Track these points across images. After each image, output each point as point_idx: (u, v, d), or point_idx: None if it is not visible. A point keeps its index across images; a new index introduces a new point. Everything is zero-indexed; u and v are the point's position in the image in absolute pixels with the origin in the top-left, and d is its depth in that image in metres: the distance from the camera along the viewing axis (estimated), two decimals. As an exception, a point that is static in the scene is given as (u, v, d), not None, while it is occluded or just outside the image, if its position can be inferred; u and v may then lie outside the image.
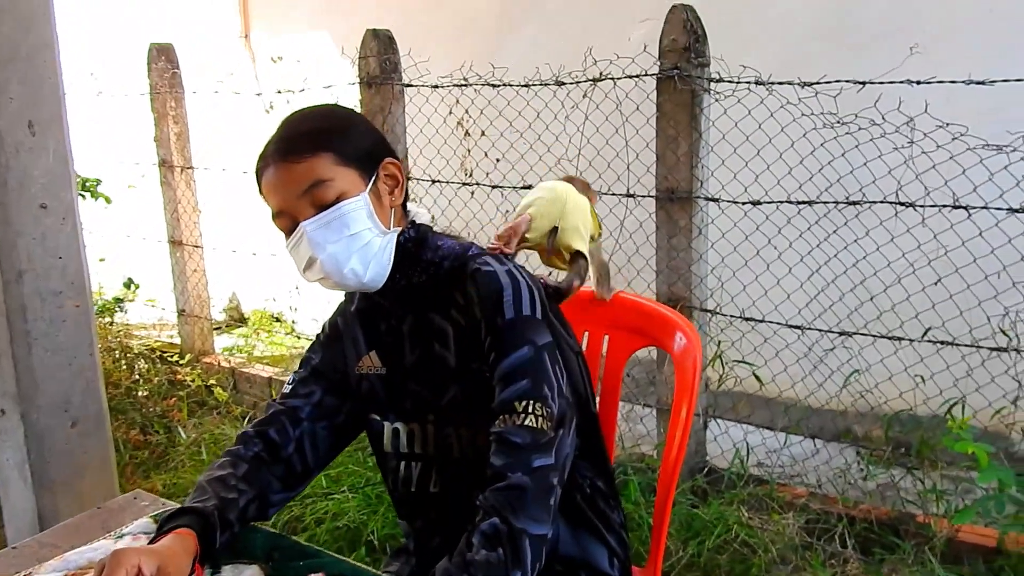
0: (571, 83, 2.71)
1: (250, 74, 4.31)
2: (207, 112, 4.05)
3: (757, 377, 2.69)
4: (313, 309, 4.39)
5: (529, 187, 2.90)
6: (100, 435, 2.57)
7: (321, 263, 1.22)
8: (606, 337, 1.90)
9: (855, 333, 2.39)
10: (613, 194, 2.73)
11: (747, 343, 2.63)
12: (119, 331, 4.20)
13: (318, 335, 1.48)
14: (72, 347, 2.47)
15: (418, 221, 1.30)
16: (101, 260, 4.26)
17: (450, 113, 3.04)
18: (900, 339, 2.32)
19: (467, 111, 3.00)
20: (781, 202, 2.44)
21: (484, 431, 1.21)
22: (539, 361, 1.20)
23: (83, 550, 1.26)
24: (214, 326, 4.41)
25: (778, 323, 2.52)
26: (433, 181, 3.18)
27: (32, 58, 2.33)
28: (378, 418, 1.39)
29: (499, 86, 2.88)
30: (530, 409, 1.17)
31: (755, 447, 2.64)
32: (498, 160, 3.06)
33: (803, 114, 2.32)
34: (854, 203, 2.32)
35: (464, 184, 3.09)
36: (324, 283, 1.26)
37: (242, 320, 4.90)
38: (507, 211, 3.07)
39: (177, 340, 4.29)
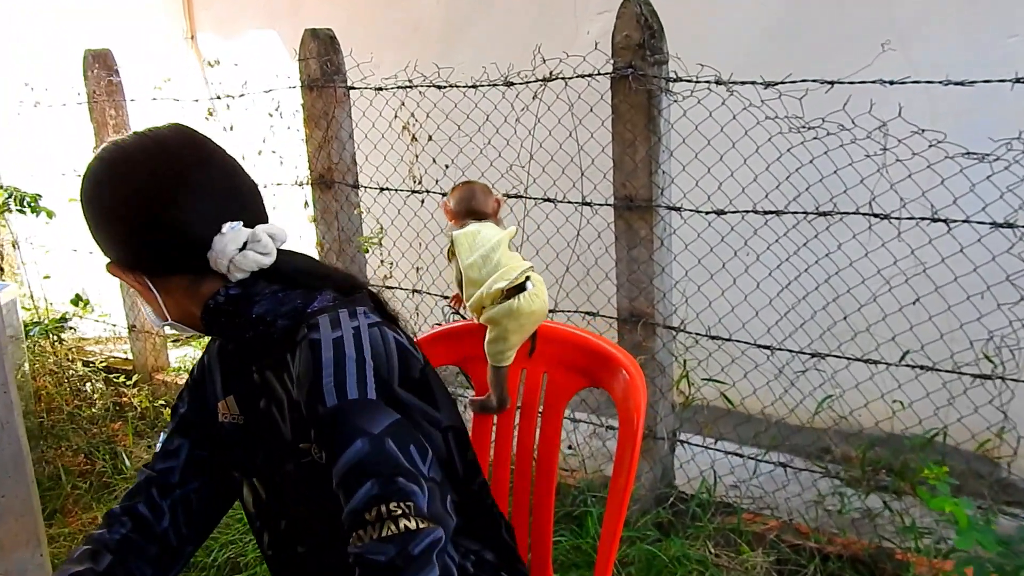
0: (520, 83, 2.50)
1: (197, 78, 4.09)
2: (151, 119, 3.83)
3: (727, 398, 2.50)
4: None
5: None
6: (21, 479, 2.38)
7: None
8: (545, 376, 1.71)
9: (828, 355, 2.20)
10: (568, 202, 2.53)
11: (715, 362, 2.44)
12: (70, 348, 4.00)
13: (187, 379, 1.28)
14: (-20, 387, 2.28)
15: (244, 269, 1.06)
16: (46, 277, 4.05)
17: (395, 117, 2.83)
18: (876, 362, 2.12)
19: (412, 115, 2.79)
20: (746, 212, 2.24)
21: (327, 517, 1.01)
22: (381, 452, 0.96)
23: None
24: (171, 338, 4.21)
25: (746, 343, 2.33)
26: (381, 189, 2.98)
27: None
28: (237, 474, 1.20)
29: (445, 88, 2.67)
30: (386, 514, 0.93)
31: (724, 475, 2.46)
32: (447, 166, 2.86)
33: (767, 117, 2.12)
34: (824, 214, 2.12)
35: (413, 192, 2.89)
36: None
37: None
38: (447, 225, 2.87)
39: (132, 355, 4.09)
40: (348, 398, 0.98)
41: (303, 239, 3.35)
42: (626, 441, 1.53)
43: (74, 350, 4.07)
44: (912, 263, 2.10)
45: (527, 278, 1.51)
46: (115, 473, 3.24)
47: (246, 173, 1.14)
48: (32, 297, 4.14)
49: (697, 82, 2.20)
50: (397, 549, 0.92)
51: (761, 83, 2.09)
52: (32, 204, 3.79)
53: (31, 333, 3.65)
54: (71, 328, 4.06)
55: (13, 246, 4.08)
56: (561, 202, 2.55)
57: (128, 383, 3.67)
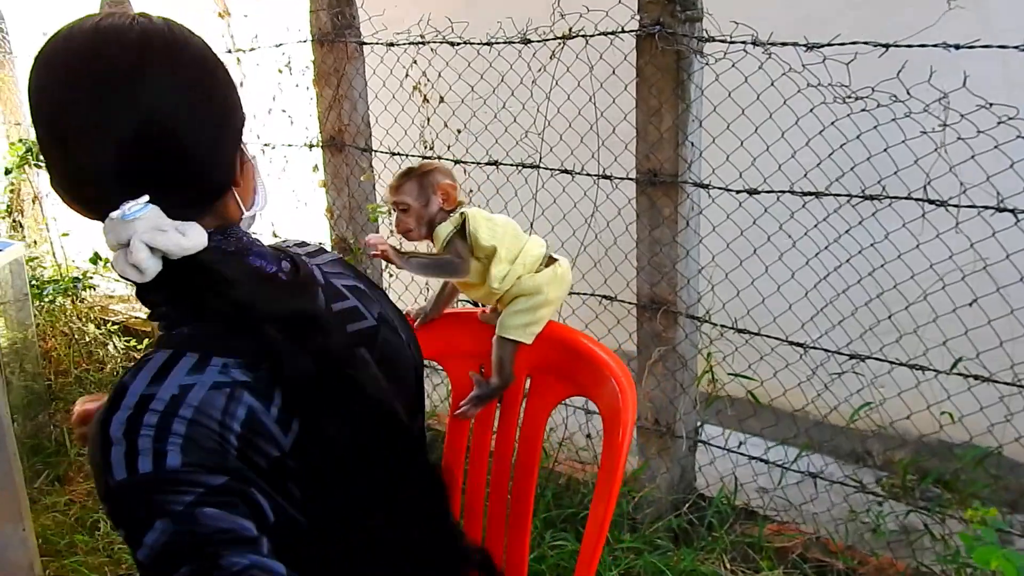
0: (538, 41, 2.26)
1: (208, 28, 3.92)
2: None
3: (754, 397, 2.26)
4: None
5: (495, 163, 2.48)
6: (1, 452, 2.29)
7: None
8: (528, 380, 1.51)
9: (868, 357, 1.94)
10: (587, 174, 2.29)
11: (741, 357, 2.20)
12: (90, 307, 3.93)
13: None
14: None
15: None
16: (64, 235, 3.97)
17: (406, 76, 2.61)
18: (924, 368, 1.86)
19: (424, 74, 2.57)
20: (783, 192, 1.98)
21: None
22: (197, 530, 0.75)
23: None
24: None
25: (777, 338, 2.08)
26: (392, 153, 2.77)
27: None
28: None
29: (458, 44, 2.43)
30: None
31: (748, 482, 2.23)
32: (459, 131, 2.63)
33: (809, 84, 1.84)
34: (871, 198, 1.85)
35: (424, 158, 2.68)
36: None
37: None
38: (471, 191, 2.65)
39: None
40: (133, 479, 0.76)
41: (309, 206, 3.18)
42: (609, 460, 1.32)
43: (97, 309, 4.00)
44: (971, 258, 1.81)
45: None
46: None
47: None
48: (54, 254, 4.07)
49: (731, 42, 1.93)
50: None
51: (803, 45, 1.81)
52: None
53: (45, 292, 3.58)
54: (91, 286, 3.99)
55: (34, 201, 4.01)
56: (579, 174, 2.31)
57: (139, 346, 3.58)
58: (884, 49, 1.72)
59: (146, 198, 0.81)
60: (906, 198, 1.79)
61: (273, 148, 3.02)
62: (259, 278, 0.92)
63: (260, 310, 0.84)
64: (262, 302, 0.85)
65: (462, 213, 1.42)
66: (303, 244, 1.10)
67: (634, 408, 1.33)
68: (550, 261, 1.46)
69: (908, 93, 1.70)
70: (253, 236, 0.96)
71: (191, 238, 0.83)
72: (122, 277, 0.85)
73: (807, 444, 2.21)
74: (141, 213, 0.81)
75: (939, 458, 2.25)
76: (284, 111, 3.05)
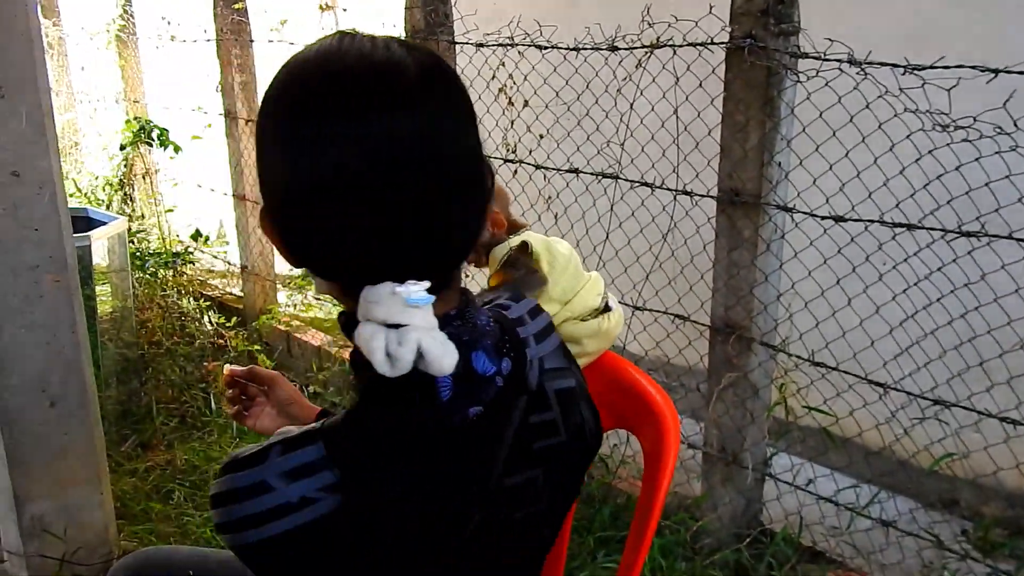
0: (625, 49, 2.19)
1: (313, 20, 4.00)
2: (276, 60, 3.79)
3: (828, 433, 2.14)
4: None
5: (575, 171, 2.43)
6: (83, 416, 2.41)
7: None
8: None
9: (955, 405, 1.80)
10: (667, 189, 2.21)
11: (816, 392, 2.08)
12: (189, 281, 4.11)
13: None
14: (51, 325, 2.29)
15: None
16: (169, 210, 4.16)
17: (493, 77, 2.59)
18: (1016, 423, 1.71)
19: (511, 76, 2.54)
20: (872, 221, 1.85)
21: None
22: None
23: None
24: (282, 280, 4.24)
25: (856, 375, 1.95)
26: (477, 155, 2.76)
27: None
28: None
29: (546, 49, 2.39)
30: None
31: (815, 524, 2.11)
32: (541, 136, 2.59)
33: (907, 109, 1.71)
34: (969, 234, 1.70)
35: (506, 160, 2.65)
36: None
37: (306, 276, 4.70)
38: (550, 196, 2.61)
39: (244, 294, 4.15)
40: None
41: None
42: (645, 503, 1.27)
43: (196, 283, 4.18)
44: (1077, 309, 1.65)
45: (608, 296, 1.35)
46: (200, 415, 3.29)
47: None
48: (160, 228, 4.27)
49: (825, 59, 1.82)
50: None
51: (902, 66, 1.69)
52: (161, 138, 3.86)
53: (147, 265, 3.75)
54: (192, 261, 4.17)
55: (144, 178, 4.21)
56: (658, 188, 2.23)
57: (228, 325, 3.71)
58: (993, 75, 1.58)
59: (427, 284, 0.71)
60: (1007, 237, 1.64)
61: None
62: (451, 433, 0.78)
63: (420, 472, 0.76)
64: (430, 467, 0.77)
65: (523, 240, 1.30)
66: (516, 298, 0.94)
67: (676, 450, 1.27)
68: (604, 308, 1.32)
69: (1015, 124, 1.55)
70: (486, 313, 0.83)
71: (449, 358, 0.71)
72: (354, 345, 0.74)
73: (885, 485, 2.08)
74: (424, 304, 0.71)
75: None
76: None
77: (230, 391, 1.25)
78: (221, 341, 3.59)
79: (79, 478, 2.44)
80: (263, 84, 3.76)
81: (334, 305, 4.12)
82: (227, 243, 4.51)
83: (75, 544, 2.45)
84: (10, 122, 2.15)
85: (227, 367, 1.25)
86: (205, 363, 3.44)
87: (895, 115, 1.75)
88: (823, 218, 1.94)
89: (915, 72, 1.66)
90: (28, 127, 2.18)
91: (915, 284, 1.87)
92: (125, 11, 4.37)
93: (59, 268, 2.30)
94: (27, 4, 2.14)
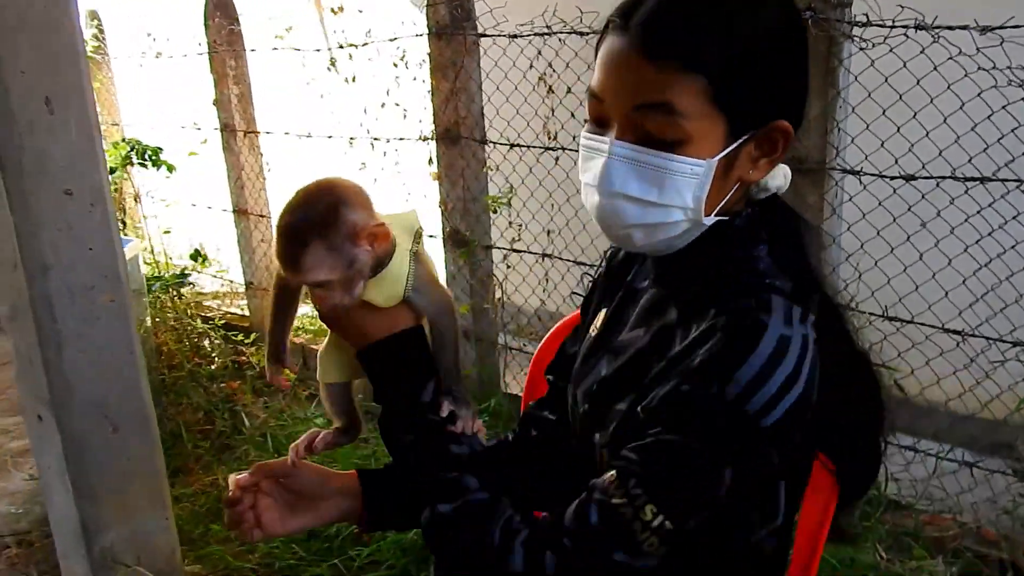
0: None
1: (319, 27, 3.96)
2: (271, 70, 3.73)
3: (900, 387, 2.22)
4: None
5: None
6: (146, 439, 2.33)
7: (599, 204, 0.88)
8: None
9: (1036, 346, 1.90)
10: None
11: (890, 347, 2.16)
12: (188, 304, 4.00)
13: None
14: (108, 345, 2.21)
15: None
16: (166, 232, 4.05)
17: (531, 67, 2.61)
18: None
19: (551, 64, 2.57)
20: (943, 178, 1.94)
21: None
22: (708, 472, 0.83)
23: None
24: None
25: (932, 326, 2.04)
26: (512, 145, 2.78)
27: (46, 25, 2.02)
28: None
29: (588, 35, 2.43)
30: (638, 506, 0.83)
31: (897, 472, 2.19)
32: (586, 121, 2.62)
33: (980, 68, 1.80)
34: (1044, 182, 1.81)
35: (547, 148, 2.68)
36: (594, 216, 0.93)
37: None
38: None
39: (248, 312, 4.07)
40: (744, 406, 0.81)
41: (423, 198, 3.20)
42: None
43: (193, 305, 4.07)
44: None
45: None
46: (235, 433, 3.22)
47: None
48: (152, 252, 4.15)
49: (893, 27, 1.90)
50: (603, 529, 0.85)
51: (976, 28, 1.78)
52: (153, 157, 3.77)
53: (152, 288, 3.65)
54: (190, 283, 4.06)
55: (135, 200, 4.08)
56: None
57: (246, 341, 3.64)
58: (1067, 29, 1.68)
59: None
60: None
61: (388, 142, 3.04)
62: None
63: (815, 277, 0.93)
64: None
65: (414, 252, 1.02)
66: None
67: None
68: None
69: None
70: None
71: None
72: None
73: (962, 435, 2.17)
74: None
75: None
76: (397, 104, 3.07)
77: (238, 506, 1.06)
78: (243, 357, 3.51)
79: (144, 504, 2.36)
80: (259, 96, 3.71)
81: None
82: (216, 263, 4.42)
83: (146, 573, 2.37)
84: (61, 137, 2.08)
85: (232, 479, 1.07)
86: (230, 381, 3.37)
87: (966, 74, 1.84)
88: (892, 178, 2.02)
89: (990, 32, 1.75)
90: (79, 141, 2.11)
91: (989, 234, 1.97)
92: (98, 32, 4.24)
93: (113, 287, 2.23)
94: (72, 15, 2.08)
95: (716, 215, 0.89)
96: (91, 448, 2.22)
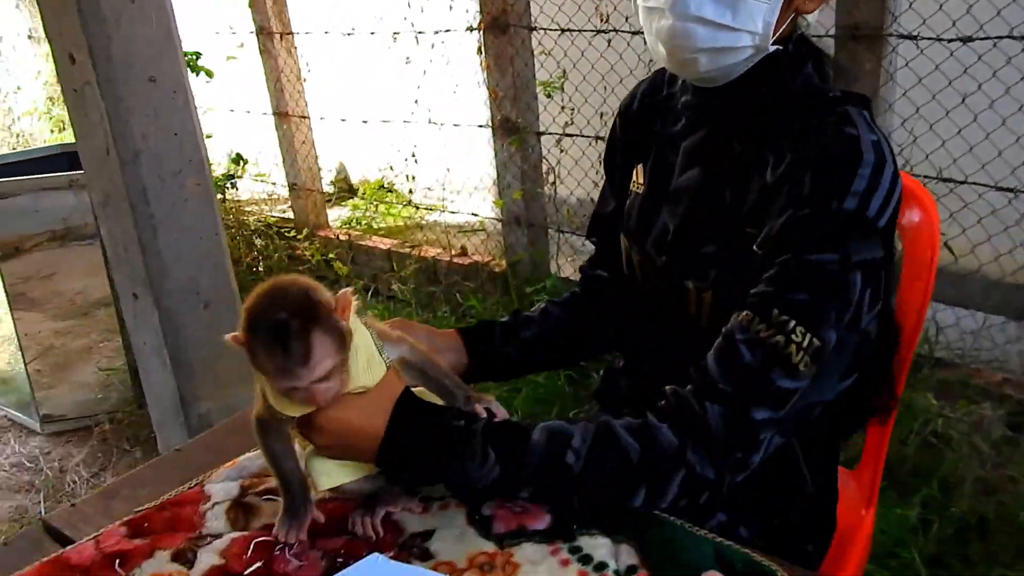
0: None
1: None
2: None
3: (949, 248, 2.34)
4: (429, 178, 4.17)
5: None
6: (232, 317, 2.47)
7: (670, 27, 0.94)
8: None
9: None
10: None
11: (943, 209, 2.27)
12: (231, 208, 4.10)
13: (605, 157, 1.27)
14: (197, 228, 2.33)
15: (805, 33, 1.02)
16: (208, 137, 4.10)
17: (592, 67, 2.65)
18: None
19: (612, 65, 2.60)
20: (1000, 38, 2.02)
21: (728, 307, 0.96)
22: (842, 282, 0.90)
23: (256, 454, 1.11)
24: (329, 196, 4.26)
25: (984, 185, 2.15)
26: (562, 30, 2.83)
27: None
28: (626, 243, 1.19)
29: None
30: (789, 330, 0.89)
31: (946, 327, 2.33)
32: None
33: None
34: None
35: (599, 32, 2.73)
36: (660, 40, 0.97)
37: (351, 191, 4.74)
38: (649, 62, 2.71)
39: (290, 215, 4.16)
40: (866, 213, 0.90)
41: (472, 88, 3.26)
42: (916, 277, 1.39)
43: (234, 211, 4.17)
44: None
45: None
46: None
47: None
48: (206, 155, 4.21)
49: None
50: (761, 363, 0.90)
51: None
52: (192, 63, 3.80)
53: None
54: (233, 187, 4.15)
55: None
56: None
57: (299, 236, 3.75)
58: None
59: None
60: None
61: (436, 34, 3.09)
62: None
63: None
64: None
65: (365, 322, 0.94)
66: None
67: (937, 225, 1.40)
68: None
69: None
70: None
71: None
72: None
73: (1011, 290, 2.30)
74: None
75: None
76: (444, -4, 3.11)
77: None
78: (297, 252, 3.62)
79: (236, 378, 2.51)
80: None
81: (385, 214, 4.17)
82: (255, 166, 4.48)
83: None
84: (142, 27, 2.14)
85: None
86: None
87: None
88: (949, 41, 2.10)
89: None
90: (158, 31, 2.18)
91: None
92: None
93: (198, 172, 2.33)
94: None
95: (771, 45, 0.96)
96: (185, 325, 2.36)
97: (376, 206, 4.02)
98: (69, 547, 0.96)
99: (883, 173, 0.91)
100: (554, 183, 3.02)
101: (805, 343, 0.89)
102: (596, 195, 1.32)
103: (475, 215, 3.35)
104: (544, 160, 3.00)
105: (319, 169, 4.00)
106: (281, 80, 3.80)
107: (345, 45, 3.47)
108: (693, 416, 0.92)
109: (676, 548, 0.88)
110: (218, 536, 0.96)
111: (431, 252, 3.52)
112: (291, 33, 3.73)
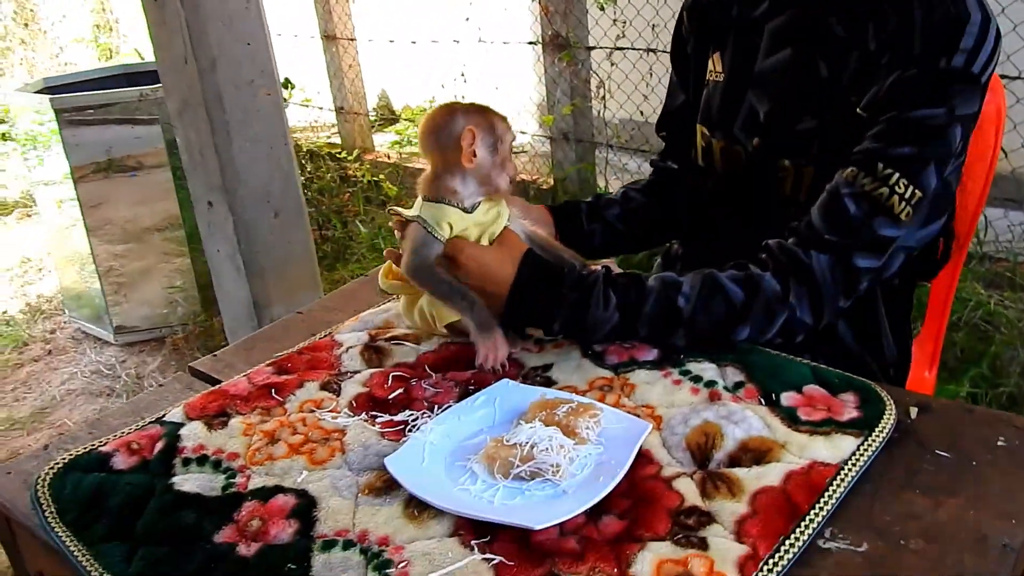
0: None
1: None
2: None
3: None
4: (478, 95, 4.21)
5: None
6: (300, 225, 2.58)
7: None
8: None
9: None
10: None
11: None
12: (279, 132, 4.17)
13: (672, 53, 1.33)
14: (268, 137, 2.43)
15: None
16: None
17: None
18: None
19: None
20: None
21: (832, 178, 1.03)
22: (945, 135, 0.98)
23: (376, 311, 1.22)
24: (375, 121, 4.32)
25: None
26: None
27: None
28: (707, 132, 1.25)
29: None
30: (893, 182, 0.97)
31: (994, 221, 2.39)
32: None
33: None
34: None
35: None
36: None
37: (394, 117, 4.80)
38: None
39: (336, 140, 4.25)
40: (971, 70, 0.97)
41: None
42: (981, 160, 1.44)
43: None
44: None
45: None
46: (348, 240, 3.47)
47: None
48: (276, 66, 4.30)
49: None
50: (866, 214, 0.98)
51: None
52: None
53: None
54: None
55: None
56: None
57: (349, 157, 3.83)
58: None
59: None
60: None
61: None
62: None
63: None
64: None
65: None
66: None
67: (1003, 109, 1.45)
68: None
69: None
70: None
71: None
72: None
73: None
74: None
75: None
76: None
77: None
78: (348, 173, 3.72)
79: (304, 284, 2.63)
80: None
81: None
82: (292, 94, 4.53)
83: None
84: (211, -67, 2.20)
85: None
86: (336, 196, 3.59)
87: None
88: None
89: None
90: (227, -60, 2.23)
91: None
92: None
93: (269, 83, 2.41)
94: None
95: None
96: (258, 233, 2.47)
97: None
98: (224, 383, 1.08)
99: (989, 30, 0.97)
100: (603, 99, 3.06)
101: (908, 194, 0.97)
102: (645, 113, 1.36)
103: (523, 132, 3.41)
104: (594, 75, 3.05)
105: (365, 93, 4.06)
106: (329, 2, 3.84)
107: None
108: (799, 265, 1.00)
109: (777, 368, 0.98)
110: (357, 372, 1.08)
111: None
112: (338, -47, 3.76)
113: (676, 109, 1.32)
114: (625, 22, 2.94)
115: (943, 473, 0.82)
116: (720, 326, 1.01)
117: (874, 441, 0.85)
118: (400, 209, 1.06)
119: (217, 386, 1.08)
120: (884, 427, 0.87)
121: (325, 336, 1.19)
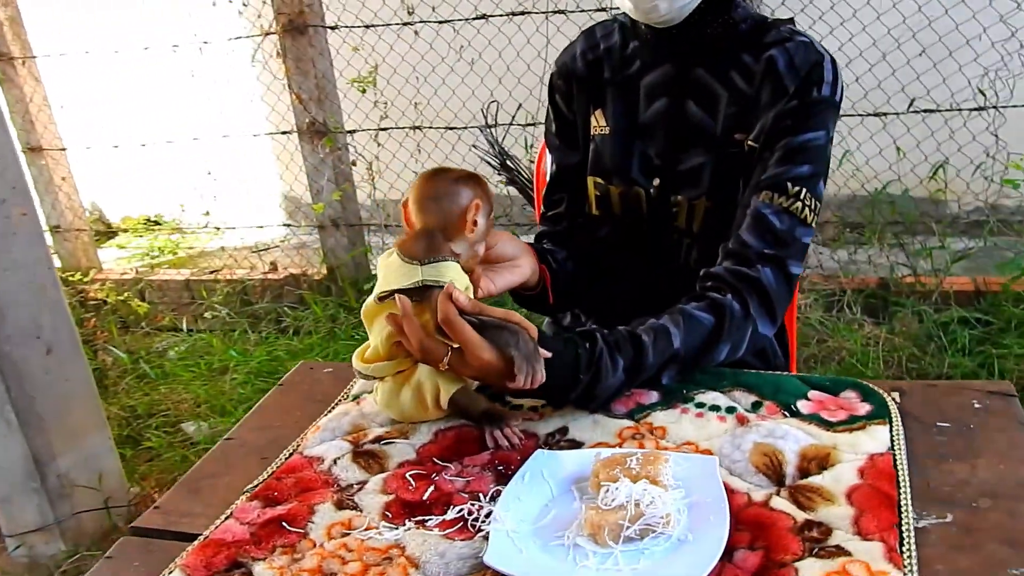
0: None
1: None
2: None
3: None
4: (207, 203, 3.95)
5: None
6: (77, 359, 2.25)
7: None
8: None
9: (844, 115, 2.51)
10: None
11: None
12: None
13: (548, 114, 1.38)
14: (29, 263, 2.11)
15: None
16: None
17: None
18: (886, 115, 2.46)
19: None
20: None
21: (723, 207, 1.20)
22: (825, 151, 1.17)
23: (330, 418, 1.10)
24: (96, 235, 3.87)
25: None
26: (367, 26, 2.89)
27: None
28: (601, 181, 1.32)
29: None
30: (802, 196, 1.15)
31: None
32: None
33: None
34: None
35: (405, 24, 2.83)
36: None
37: (111, 231, 4.33)
38: (460, 48, 2.87)
39: (56, 262, 3.73)
40: (834, 97, 1.16)
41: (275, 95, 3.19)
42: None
43: None
44: (919, 20, 2.39)
45: None
46: (108, 368, 3.07)
47: None
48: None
49: None
50: (789, 227, 1.14)
51: None
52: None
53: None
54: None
55: None
56: None
57: (84, 279, 3.40)
58: None
59: None
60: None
61: (230, 40, 2.98)
62: None
63: None
64: None
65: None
66: None
67: None
68: None
69: None
70: None
71: None
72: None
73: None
74: None
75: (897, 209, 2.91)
76: (231, 1, 3.01)
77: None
78: (89, 295, 3.28)
79: (89, 426, 2.28)
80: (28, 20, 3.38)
81: (173, 246, 3.89)
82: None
83: (104, 493, 2.28)
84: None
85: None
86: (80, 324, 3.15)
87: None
88: None
89: None
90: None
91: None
92: None
93: (23, 201, 2.12)
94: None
95: None
96: (31, 373, 2.11)
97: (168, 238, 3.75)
98: (205, 532, 0.92)
99: (836, 65, 1.18)
100: (372, 180, 3.06)
101: (812, 204, 1.15)
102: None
103: (288, 225, 3.29)
104: (360, 158, 3.04)
105: (82, 206, 3.65)
106: (30, 111, 3.41)
107: (95, 65, 3.21)
108: (751, 281, 1.12)
109: (775, 383, 1.06)
110: (363, 482, 0.97)
111: (237, 274, 3.38)
112: (33, 57, 3.37)
113: (573, 167, 1.37)
114: (387, 103, 2.98)
115: (956, 440, 0.94)
116: (702, 354, 1.09)
117: (898, 424, 0.95)
118: (400, 286, 0.98)
119: (202, 538, 0.91)
120: (896, 412, 0.97)
121: (291, 456, 1.05)
